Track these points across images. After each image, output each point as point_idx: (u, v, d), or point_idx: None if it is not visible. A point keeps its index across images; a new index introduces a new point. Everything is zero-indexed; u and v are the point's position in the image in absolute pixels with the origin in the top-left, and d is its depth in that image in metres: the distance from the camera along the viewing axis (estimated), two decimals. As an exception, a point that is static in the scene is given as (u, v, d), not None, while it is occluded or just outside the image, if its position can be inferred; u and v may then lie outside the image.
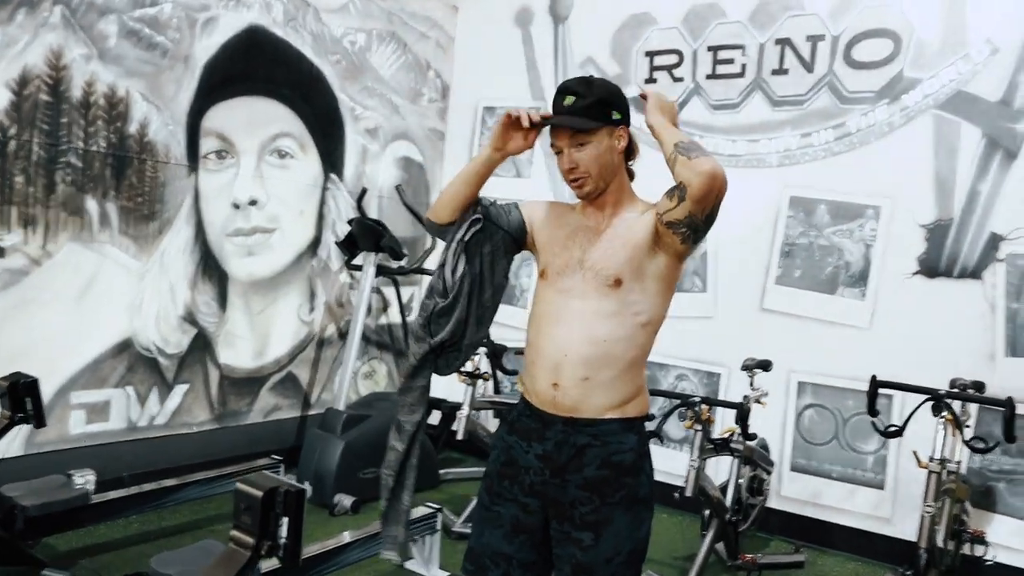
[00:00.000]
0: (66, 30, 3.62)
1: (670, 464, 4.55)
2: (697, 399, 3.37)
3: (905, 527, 3.96)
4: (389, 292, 5.30)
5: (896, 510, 4.00)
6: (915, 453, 3.05)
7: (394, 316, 5.33)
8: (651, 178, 2.09)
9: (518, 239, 2.11)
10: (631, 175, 2.03)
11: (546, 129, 1.97)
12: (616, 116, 1.94)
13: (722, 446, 3.50)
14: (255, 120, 4.43)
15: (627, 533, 1.91)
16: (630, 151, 2.00)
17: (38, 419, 2.57)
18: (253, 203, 4.45)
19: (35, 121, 3.58)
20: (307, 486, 4.23)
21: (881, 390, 3.22)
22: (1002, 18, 3.81)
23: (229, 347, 4.42)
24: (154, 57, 3.96)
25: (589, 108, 1.90)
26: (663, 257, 1.90)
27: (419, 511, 3.63)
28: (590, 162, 1.91)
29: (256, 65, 4.40)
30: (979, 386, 3.50)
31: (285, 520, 1.56)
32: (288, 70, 4.56)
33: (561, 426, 1.91)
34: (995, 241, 3.82)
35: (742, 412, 3.38)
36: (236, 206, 4.38)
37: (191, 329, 4.24)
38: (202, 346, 4.30)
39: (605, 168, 1.93)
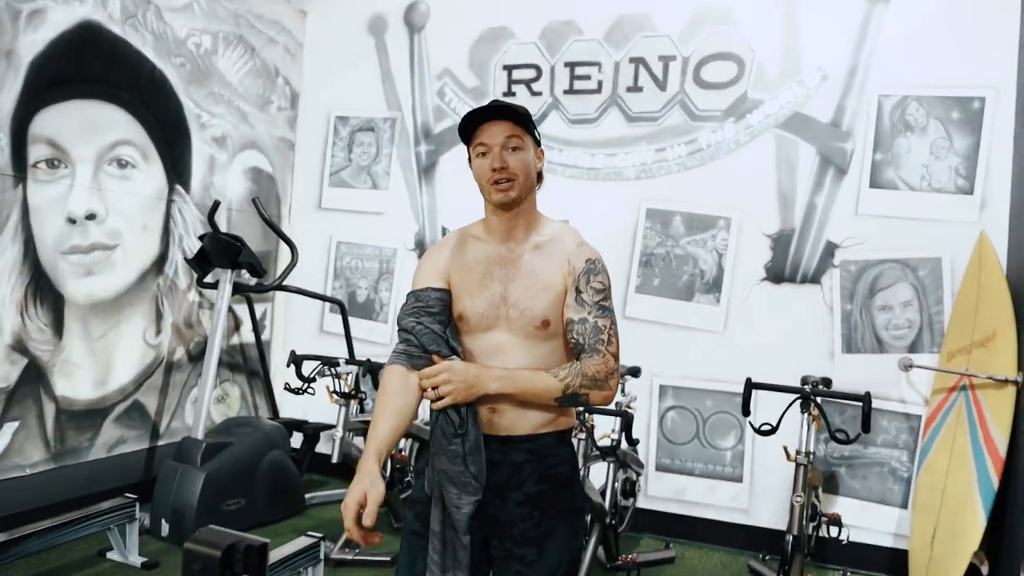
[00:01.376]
0: None
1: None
2: (580, 408, 3.44)
3: (761, 516, 4.26)
4: (240, 310, 5.00)
5: (752, 501, 4.29)
6: (784, 448, 3.28)
7: (246, 335, 5.03)
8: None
9: None
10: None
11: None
12: (537, 136, 1.96)
13: (607, 452, 3.59)
14: (91, 126, 4.02)
15: (567, 544, 1.93)
16: (539, 178, 2.00)
17: None
18: (91, 217, 4.04)
19: None
20: (163, 524, 3.91)
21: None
22: (830, 47, 4.21)
23: (66, 377, 3.97)
24: (-30, 53, 3.49)
25: (519, 113, 1.90)
26: None
27: (299, 541, 3.44)
28: (519, 166, 1.88)
29: (91, 65, 3.99)
30: (827, 382, 3.83)
31: (249, 578, 1.40)
32: (127, 72, 4.18)
33: (497, 445, 1.89)
34: (831, 249, 4.20)
35: (627, 419, 3.48)
36: (72, 221, 3.95)
37: (21, 359, 3.77)
38: (34, 377, 3.83)
39: (529, 178, 1.91)
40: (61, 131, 3.87)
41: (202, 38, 4.62)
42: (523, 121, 1.90)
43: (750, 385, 3.36)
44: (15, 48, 3.66)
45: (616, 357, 1.88)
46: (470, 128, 1.93)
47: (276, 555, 3.31)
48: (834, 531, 3.69)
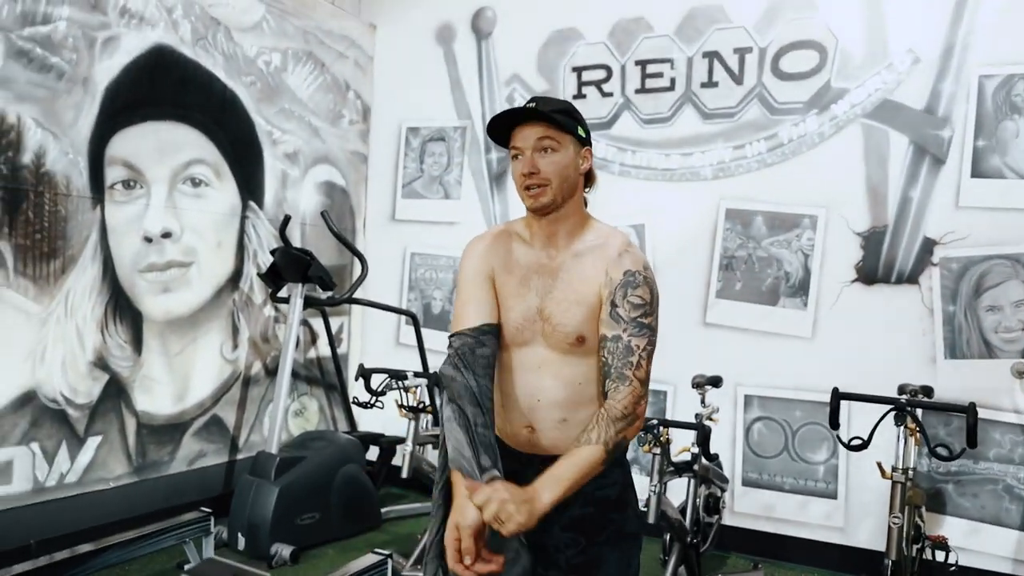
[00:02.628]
0: (-53, 52, 3.26)
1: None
2: (655, 422, 3.26)
3: (859, 535, 3.95)
4: (317, 324, 5.03)
5: (849, 519, 3.99)
6: (879, 464, 3.01)
7: (323, 349, 5.06)
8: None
9: None
10: (585, 203, 1.88)
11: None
12: (582, 133, 1.81)
13: (683, 468, 3.39)
14: (165, 147, 4.11)
15: (618, 573, 1.78)
16: (588, 178, 1.86)
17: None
18: (167, 236, 4.13)
19: (-86, 153, 3.19)
20: (240, 537, 3.93)
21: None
22: (922, 28, 3.89)
23: (146, 392, 4.06)
24: (48, 80, 3.61)
25: (554, 113, 1.76)
26: None
27: (366, 559, 3.40)
28: (553, 170, 1.75)
29: (164, 88, 4.09)
30: (928, 391, 3.51)
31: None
32: (199, 93, 4.26)
33: (540, 465, 1.70)
34: (929, 246, 3.87)
35: (703, 432, 3.28)
36: (148, 239, 4.04)
37: (102, 375, 3.87)
38: (116, 393, 3.93)
39: (566, 182, 1.77)
40: (136, 153, 3.97)
41: (272, 56, 4.67)
42: (558, 121, 1.75)
43: (837, 395, 3.09)
44: (91, 75, 3.77)
45: (644, 381, 1.71)
46: (503, 131, 1.81)
47: (342, 573, 3.28)
48: (940, 555, 3.37)
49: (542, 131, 1.76)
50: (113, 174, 3.89)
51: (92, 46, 3.77)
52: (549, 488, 1.58)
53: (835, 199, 4.06)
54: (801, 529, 4.10)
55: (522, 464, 1.79)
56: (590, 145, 1.84)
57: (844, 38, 4.06)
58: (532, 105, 1.78)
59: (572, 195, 1.80)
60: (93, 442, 3.84)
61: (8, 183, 3.49)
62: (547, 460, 1.71)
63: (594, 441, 1.64)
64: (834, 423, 3.09)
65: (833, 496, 4.04)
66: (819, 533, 4.06)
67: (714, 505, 3.91)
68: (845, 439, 3.06)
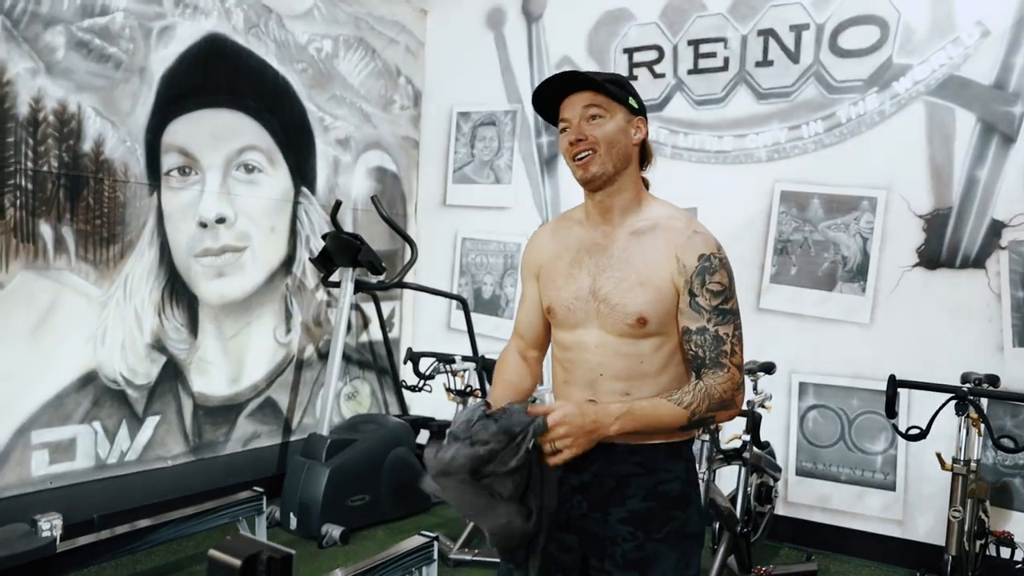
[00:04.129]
0: (8, 43, 3.37)
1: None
2: (703, 407, 3.19)
3: (918, 529, 3.82)
4: (368, 308, 5.08)
5: (908, 512, 3.86)
6: (939, 455, 2.89)
7: (375, 333, 5.11)
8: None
9: None
10: (646, 185, 1.79)
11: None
12: (634, 104, 1.71)
13: (733, 456, 3.32)
14: (219, 134, 4.19)
15: (675, 573, 1.70)
16: (645, 154, 1.77)
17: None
18: (221, 221, 4.21)
19: (-20, 142, 3.32)
20: (292, 517, 4.00)
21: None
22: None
23: (202, 374, 4.16)
24: (107, 70, 3.71)
25: (606, 82, 1.68)
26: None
27: (413, 540, 3.42)
28: (601, 135, 1.66)
29: (217, 76, 4.16)
30: (993, 380, 3.36)
31: (276, 588, 1.32)
32: (252, 80, 4.33)
33: (601, 453, 1.65)
34: (997, 228, 3.70)
35: (754, 420, 3.21)
36: (203, 225, 4.13)
37: (160, 357, 3.98)
38: (173, 375, 4.04)
39: (616, 149, 1.67)
40: (191, 140, 4.05)
41: (323, 43, 4.71)
42: (607, 88, 1.67)
43: (895, 383, 2.97)
44: (147, 64, 3.86)
45: (741, 368, 1.67)
46: (552, 107, 1.74)
47: (389, 554, 3.30)
48: (1006, 552, 3.23)
49: (589, 98, 1.68)
50: (169, 161, 3.98)
51: (148, 36, 3.86)
52: (620, 420, 1.58)
53: (896, 180, 3.91)
54: (857, 521, 3.98)
55: (588, 458, 1.67)
56: (644, 115, 1.74)
57: (907, 12, 3.89)
58: (574, 71, 1.71)
59: (625, 167, 1.70)
60: (152, 422, 3.95)
61: (70, 170, 3.60)
62: (608, 449, 1.67)
63: (683, 405, 1.60)
64: (891, 412, 2.98)
65: (891, 488, 3.91)
66: (876, 526, 3.94)
67: (766, 494, 3.82)
68: (903, 429, 2.96)
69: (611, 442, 1.65)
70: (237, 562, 1.32)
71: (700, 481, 3.14)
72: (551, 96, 1.72)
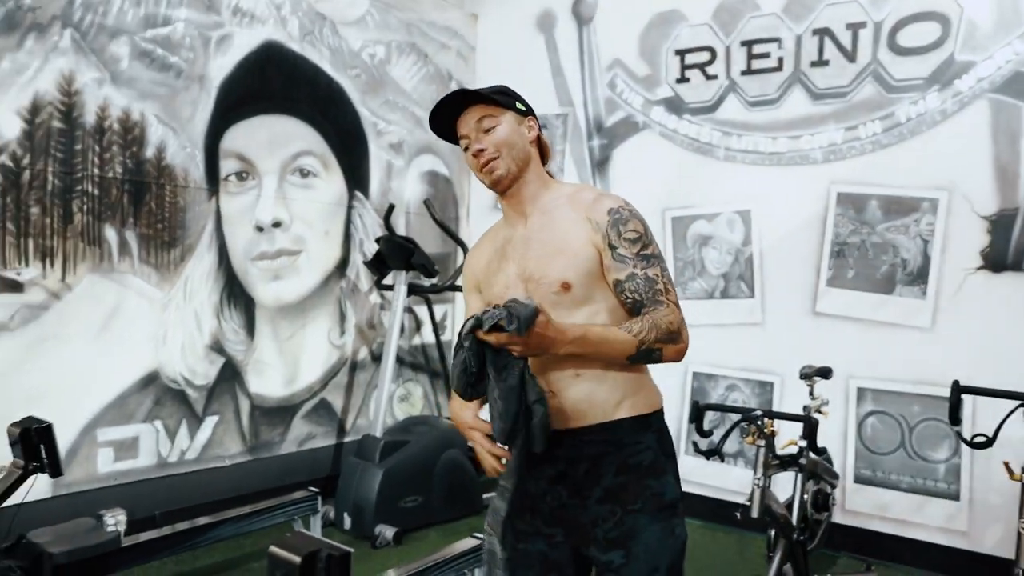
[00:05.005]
0: (77, 54, 3.49)
1: (724, 480, 4.34)
2: (759, 413, 3.14)
3: (985, 541, 3.70)
4: (421, 311, 5.12)
5: (973, 523, 3.74)
6: (1006, 464, 2.81)
7: (428, 336, 5.15)
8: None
9: None
10: (546, 160, 1.90)
11: None
12: (521, 107, 1.84)
13: (789, 462, 3.27)
14: (275, 139, 4.28)
15: (659, 542, 1.70)
16: (542, 150, 1.87)
17: (53, 468, 2.37)
18: (277, 225, 4.30)
19: (49, 149, 3.44)
20: (346, 517, 4.05)
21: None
22: (1060, -7, 3.59)
23: (259, 375, 4.25)
24: (168, 78, 3.82)
25: (487, 95, 1.79)
26: None
27: (466, 542, 3.43)
28: (499, 140, 1.77)
29: (273, 82, 4.25)
30: (1063, 386, 3.24)
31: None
32: (306, 86, 4.41)
33: (569, 439, 1.70)
34: (1066, 229, 3.58)
35: (810, 425, 3.15)
36: (260, 229, 4.22)
37: (218, 359, 4.07)
38: (231, 376, 4.13)
39: (515, 149, 1.78)
40: (248, 146, 4.15)
41: (376, 48, 4.78)
42: (494, 99, 1.78)
43: (958, 389, 2.89)
44: (206, 72, 3.96)
45: (678, 306, 1.71)
46: (447, 128, 1.84)
47: (442, 555, 3.32)
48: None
49: (480, 111, 1.78)
50: (227, 166, 4.07)
51: (207, 45, 3.95)
52: (575, 342, 1.58)
53: (958, 181, 3.80)
54: (919, 531, 3.88)
55: (558, 446, 1.68)
56: (534, 116, 1.87)
57: (970, 7, 3.79)
58: (461, 90, 1.81)
59: (527, 163, 1.81)
60: (210, 421, 4.05)
61: (133, 176, 3.71)
62: (575, 433, 1.70)
63: (633, 333, 1.64)
64: (954, 419, 2.90)
65: (955, 497, 3.80)
66: (939, 536, 3.83)
67: (823, 502, 3.75)
68: (967, 436, 2.88)
69: (578, 425, 1.70)
70: (297, 559, 1.35)
71: (756, 486, 3.09)
72: (445, 118, 1.82)
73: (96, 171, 3.58)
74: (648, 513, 1.70)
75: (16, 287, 3.36)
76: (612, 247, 1.72)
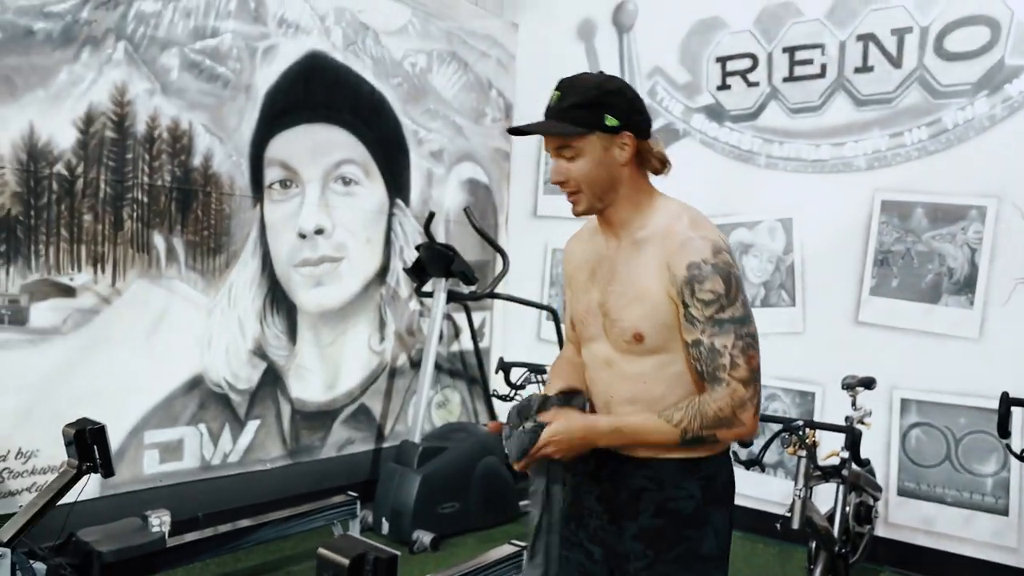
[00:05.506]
0: (129, 65, 3.59)
1: (764, 490, 4.30)
2: (800, 423, 3.11)
3: (1034, 556, 3.62)
4: (460, 318, 5.15)
5: (1023, 539, 3.65)
6: (1055, 477, 2.74)
7: (466, 343, 5.18)
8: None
9: None
10: (657, 171, 1.72)
11: None
12: (612, 122, 1.61)
13: (831, 473, 3.22)
14: (318, 148, 4.35)
15: None
16: (644, 160, 1.69)
17: (106, 468, 2.45)
18: (319, 232, 4.36)
19: (102, 158, 3.54)
20: (384, 522, 4.09)
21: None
22: (1114, -4, 3.50)
23: (300, 380, 4.31)
24: (216, 88, 3.90)
25: (570, 111, 1.61)
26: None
27: (504, 549, 3.45)
28: (580, 176, 1.62)
29: (317, 92, 4.32)
30: (1117, 400, 3.15)
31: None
32: (349, 95, 4.48)
33: (615, 464, 1.68)
34: (1121, 238, 3.48)
35: (853, 437, 3.10)
36: (302, 236, 4.29)
37: (261, 363, 4.14)
38: (273, 380, 4.20)
39: (598, 184, 1.63)
40: (292, 154, 4.22)
41: (417, 57, 4.83)
42: (576, 119, 1.61)
43: (1008, 401, 2.84)
44: (252, 82, 4.04)
45: (746, 382, 1.56)
46: None
47: (480, 561, 3.34)
48: None
49: (558, 140, 1.63)
50: (271, 174, 4.15)
51: (253, 55, 4.04)
52: (607, 438, 1.63)
53: (1008, 188, 3.73)
54: (965, 546, 3.80)
55: (598, 461, 1.73)
56: (632, 128, 1.64)
57: (1021, 10, 3.71)
58: (554, 98, 1.67)
59: (614, 190, 1.66)
60: (252, 425, 4.12)
61: (181, 184, 3.80)
62: (623, 461, 1.69)
63: (674, 423, 1.58)
64: (1003, 431, 2.85)
65: (1004, 512, 3.71)
66: (987, 552, 3.74)
67: (865, 514, 3.70)
68: (1017, 450, 2.82)
69: (626, 455, 1.67)
70: (345, 561, 1.38)
71: (796, 498, 3.06)
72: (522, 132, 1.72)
73: (146, 179, 3.68)
74: (682, 564, 1.65)
75: (69, 292, 3.46)
76: (685, 305, 1.58)
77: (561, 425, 1.62)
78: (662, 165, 1.71)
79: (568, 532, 1.77)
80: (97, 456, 2.40)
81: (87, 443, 2.40)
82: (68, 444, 2.45)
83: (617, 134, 1.62)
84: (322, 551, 1.40)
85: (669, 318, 1.61)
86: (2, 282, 3.28)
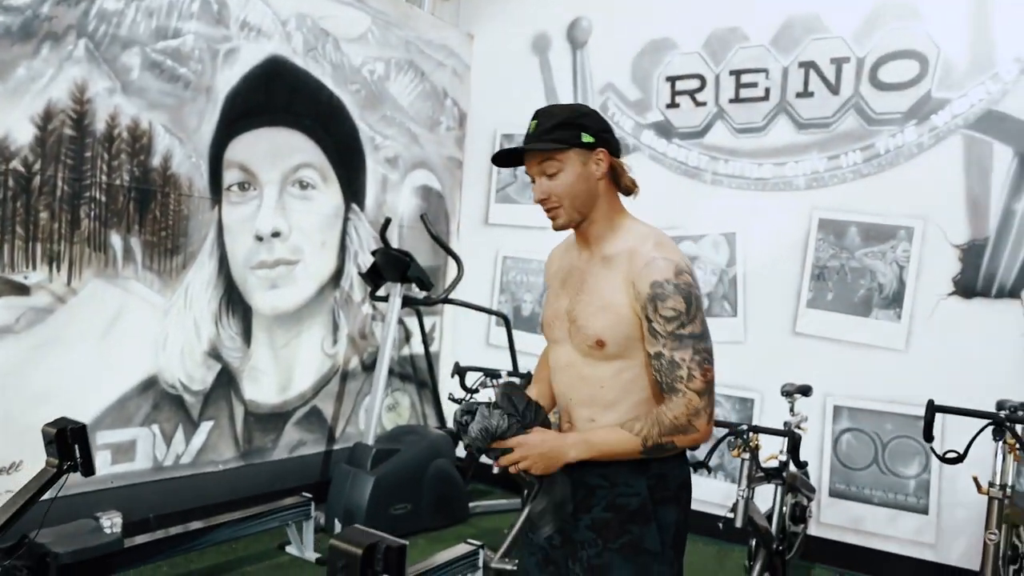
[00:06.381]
0: (90, 63, 3.56)
1: (703, 492, 4.49)
2: (745, 427, 3.30)
3: (951, 553, 3.89)
4: (411, 323, 5.23)
5: (941, 535, 3.93)
6: (975, 479, 2.98)
7: (416, 347, 5.25)
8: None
9: None
10: (628, 191, 1.88)
11: None
12: (587, 139, 1.78)
13: (772, 475, 3.42)
14: (277, 151, 4.37)
15: None
16: (617, 178, 1.85)
17: (86, 467, 2.46)
18: (276, 235, 4.38)
19: (60, 156, 3.50)
20: (337, 523, 4.13)
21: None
22: (1030, 37, 3.81)
23: (254, 382, 4.32)
24: (176, 89, 3.90)
25: (551, 131, 1.77)
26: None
27: (459, 548, 3.54)
28: (561, 191, 1.78)
29: (277, 95, 4.34)
30: (1028, 407, 3.44)
31: (386, 578, 1.47)
32: (308, 100, 4.51)
33: (575, 465, 1.80)
34: (1033, 260, 3.79)
35: (794, 440, 3.30)
36: (259, 238, 4.30)
37: (216, 365, 4.14)
38: (227, 382, 4.20)
39: (579, 197, 1.79)
40: (251, 157, 4.23)
41: (376, 65, 4.89)
42: (557, 138, 1.76)
43: (932, 408, 3.07)
44: (213, 84, 4.04)
45: (701, 392, 1.71)
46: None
47: (436, 560, 3.43)
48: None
49: (540, 157, 1.79)
50: (230, 176, 4.16)
51: (215, 57, 4.04)
52: (576, 448, 1.76)
53: (933, 211, 4.01)
54: (890, 543, 4.06)
55: (570, 471, 1.85)
56: (605, 146, 1.80)
57: (947, 48, 4.01)
58: (532, 125, 1.81)
59: (592, 204, 1.81)
60: (206, 427, 4.11)
61: (140, 184, 3.78)
62: (582, 464, 1.80)
63: (635, 432, 1.72)
64: (928, 436, 3.08)
65: (924, 511, 3.99)
66: (909, 548, 4.01)
67: (800, 514, 3.91)
68: (940, 452, 3.05)
69: (586, 463, 1.81)
70: (358, 550, 1.46)
71: (740, 498, 3.24)
72: (502, 159, 1.87)
73: (104, 178, 3.65)
74: (624, 554, 1.79)
75: (23, 290, 3.41)
76: (648, 319, 1.72)
77: (535, 438, 1.77)
78: (633, 186, 1.88)
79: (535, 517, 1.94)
80: (78, 455, 2.40)
81: (68, 442, 2.41)
82: (48, 443, 2.44)
83: (592, 150, 1.79)
84: (334, 542, 1.48)
85: (631, 330, 1.76)
86: (-45, 279, 3.23)
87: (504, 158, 1.87)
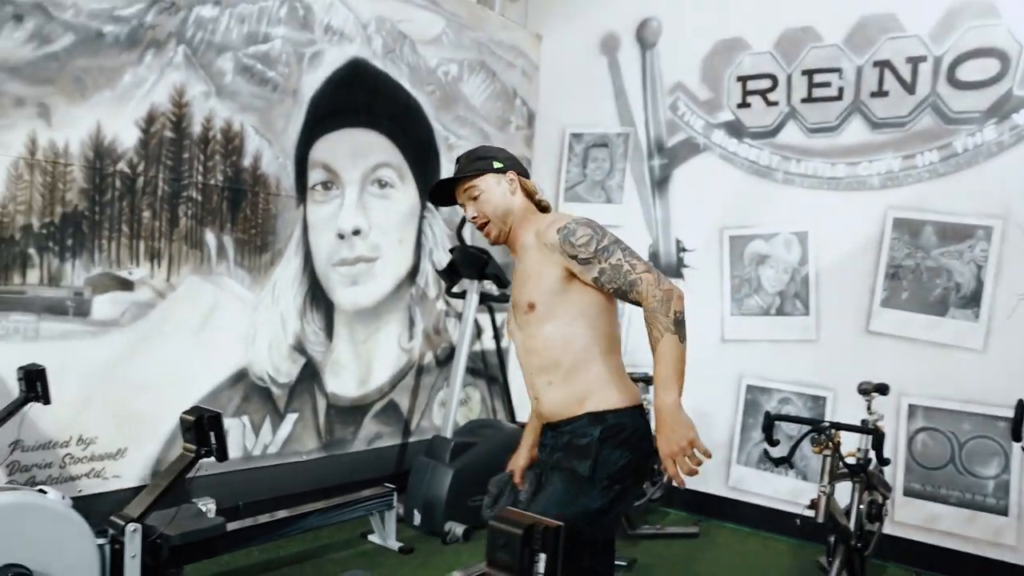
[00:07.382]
0: (188, 68, 3.72)
1: (773, 489, 4.53)
2: (827, 424, 3.33)
3: (1031, 554, 3.88)
4: (482, 318, 5.33)
5: (1022, 538, 3.92)
6: (1065, 478, 2.99)
7: (487, 342, 5.36)
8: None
9: None
10: (544, 209, 2.29)
11: None
12: (498, 164, 2.23)
13: (856, 470, 3.45)
14: (358, 151, 4.50)
15: (556, 498, 2.09)
16: (530, 196, 2.26)
17: (221, 453, 2.61)
18: (357, 233, 4.51)
19: (160, 157, 3.66)
20: (416, 514, 4.25)
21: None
22: (1117, 35, 3.78)
23: (335, 376, 4.46)
24: (265, 92, 4.04)
25: (470, 164, 2.23)
26: (575, 283, 2.11)
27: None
28: (487, 208, 2.20)
29: (358, 97, 4.47)
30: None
31: (542, 556, 1.59)
32: (387, 101, 4.63)
33: (551, 432, 2.22)
34: (1117, 260, 3.76)
35: (878, 437, 3.33)
36: (341, 236, 4.44)
37: (300, 359, 4.29)
38: (310, 375, 4.34)
39: (499, 211, 2.20)
40: (334, 157, 4.37)
41: (450, 66, 5.00)
42: (470, 174, 2.20)
43: (1022, 407, 3.09)
44: (299, 87, 4.18)
45: (649, 270, 2.03)
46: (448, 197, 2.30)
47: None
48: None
49: (464, 184, 2.23)
50: (314, 176, 4.30)
51: (301, 61, 4.18)
52: (665, 391, 1.98)
53: (1013, 209, 3.99)
54: (967, 544, 4.06)
55: (544, 430, 2.28)
56: (513, 169, 2.24)
57: (1028, 46, 3.99)
58: (455, 168, 2.26)
59: (510, 214, 2.21)
60: (291, 418, 4.26)
61: (232, 184, 3.93)
62: (554, 426, 2.20)
63: (661, 335, 2.00)
64: (1017, 436, 3.09)
65: (1004, 513, 3.98)
66: (987, 550, 4.00)
67: (876, 512, 3.92)
68: (1026, 452, 3.06)
69: (555, 421, 2.19)
70: (519, 531, 1.58)
71: (822, 494, 3.28)
72: (437, 194, 2.31)
73: (200, 178, 3.81)
74: (560, 474, 2.14)
75: (127, 286, 3.58)
76: (572, 257, 2.06)
77: (660, 440, 2.00)
78: (547, 204, 2.32)
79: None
80: (213, 441, 2.54)
81: (204, 429, 2.55)
82: (186, 430, 2.59)
83: (504, 172, 2.23)
84: (494, 523, 1.61)
85: (553, 284, 2.10)
86: (68, 274, 3.40)
87: (437, 197, 2.30)
